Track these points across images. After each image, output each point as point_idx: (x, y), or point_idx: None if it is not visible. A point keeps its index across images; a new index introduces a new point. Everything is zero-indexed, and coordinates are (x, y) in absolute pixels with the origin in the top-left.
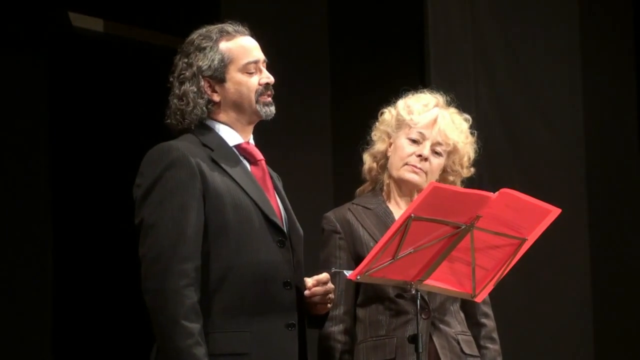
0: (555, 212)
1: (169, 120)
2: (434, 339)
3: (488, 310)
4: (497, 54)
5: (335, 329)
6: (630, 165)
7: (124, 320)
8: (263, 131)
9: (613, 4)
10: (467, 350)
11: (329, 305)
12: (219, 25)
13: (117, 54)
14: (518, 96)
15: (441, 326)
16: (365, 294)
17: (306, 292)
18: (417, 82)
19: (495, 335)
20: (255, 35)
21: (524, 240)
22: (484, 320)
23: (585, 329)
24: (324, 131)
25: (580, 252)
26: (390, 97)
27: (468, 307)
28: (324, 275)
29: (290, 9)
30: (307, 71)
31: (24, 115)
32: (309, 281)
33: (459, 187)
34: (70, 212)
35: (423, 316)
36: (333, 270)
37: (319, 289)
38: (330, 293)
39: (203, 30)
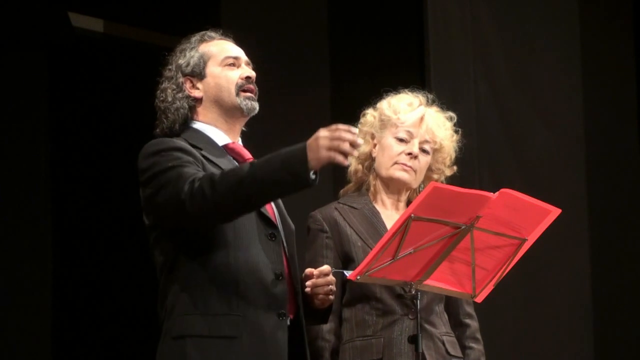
0: (555, 212)
1: (157, 130)
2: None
3: (471, 310)
4: (497, 54)
5: (323, 328)
6: (630, 165)
7: (123, 321)
8: (263, 130)
9: (613, 4)
10: (452, 352)
11: (331, 297)
12: (202, 32)
13: (117, 54)
14: (518, 96)
15: (427, 327)
16: (352, 294)
17: (308, 283)
18: (417, 81)
19: (479, 335)
20: (255, 35)
21: (524, 241)
22: (467, 321)
23: (585, 329)
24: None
25: (580, 252)
26: (386, 94)
27: (451, 307)
28: (326, 267)
29: (290, 10)
30: (306, 71)
31: (24, 115)
32: (312, 272)
33: (459, 188)
34: (70, 212)
35: (410, 316)
36: (333, 270)
37: (320, 280)
38: (332, 285)
39: (185, 39)
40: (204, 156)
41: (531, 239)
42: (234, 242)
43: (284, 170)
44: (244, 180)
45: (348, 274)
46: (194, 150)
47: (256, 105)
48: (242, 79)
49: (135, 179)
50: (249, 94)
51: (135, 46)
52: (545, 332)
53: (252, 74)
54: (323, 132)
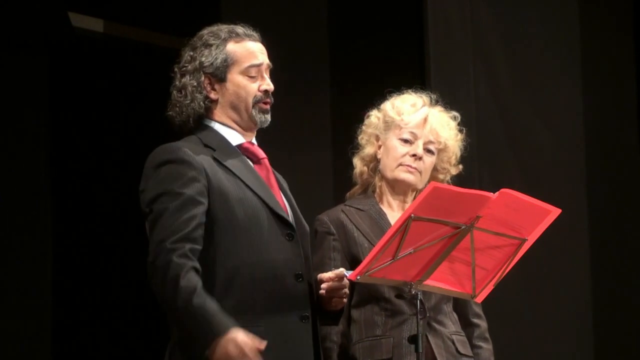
0: (555, 212)
1: (170, 112)
2: (430, 338)
3: (480, 310)
4: (497, 54)
5: (331, 330)
6: (630, 165)
7: (123, 321)
8: (263, 130)
9: (613, 4)
10: (462, 350)
11: (344, 300)
12: (231, 26)
13: (117, 54)
14: (518, 96)
15: (436, 326)
16: (360, 295)
17: (323, 286)
18: (417, 82)
19: (487, 335)
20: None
21: (524, 241)
22: (476, 321)
23: (585, 329)
24: (324, 131)
25: (580, 252)
26: (390, 95)
27: (460, 307)
28: (340, 271)
29: (290, 11)
30: (307, 71)
31: (25, 116)
32: (328, 275)
33: (459, 188)
34: (70, 212)
35: (419, 316)
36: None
37: (336, 284)
38: (346, 288)
39: (214, 28)
40: (215, 158)
41: (531, 239)
42: (253, 242)
43: (195, 334)
44: (178, 309)
45: (348, 274)
46: (199, 165)
47: (269, 118)
48: (260, 92)
49: (135, 179)
50: (265, 107)
51: (135, 46)
52: (545, 332)
53: (271, 87)
54: (233, 348)
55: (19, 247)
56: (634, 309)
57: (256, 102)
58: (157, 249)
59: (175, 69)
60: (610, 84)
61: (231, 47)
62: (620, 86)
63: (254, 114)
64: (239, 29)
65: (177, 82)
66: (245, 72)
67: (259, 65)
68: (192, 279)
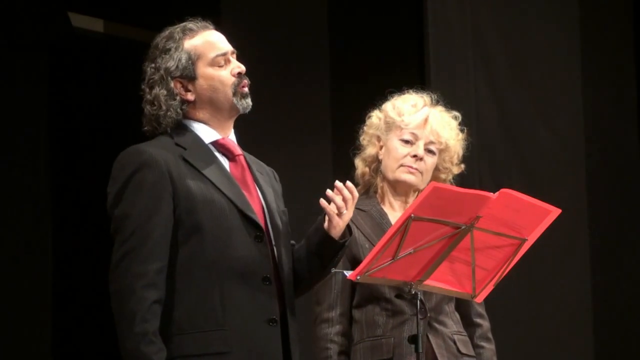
0: (555, 212)
1: (145, 128)
2: (431, 338)
3: (482, 310)
4: (497, 54)
5: (332, 331)
6: (630, 165)
7: None
8: (262, 130)
9: (613, 4)
10: (463, 350)
11: (341, 218)
12: (182, 25)
13: (117, 54)
14: (518, 96)
15: (437, 326)
16: (361, 295)
17: (329, 193)
18: (417, 81)
19: (490, 335)
20: (255, 36)
21: (524, 241)
22: (479, 320)
23: (585, 329)
24: (324, 131)
25: (580, 252)
26: (391, 96)
27: (463, 307)
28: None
29: (290, 11)
30: (306, 68)
31: (24, 115)
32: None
33: (459, 188)
34: (70, 212)
35: (420, 316)
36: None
37: (337, 197)
38: (343, 203)
39: (166, 33)
40: (184, 158)
41: (531, 239)
42: (219, 245)
43: None
44: (126, 349)
45: (348, 274)
46: (163, 168)
47: (250, 102)
48: (234, 76)
49: None
50: (245, 91)
51: (135, 46)
52: (545, 332)
53: (242, 68)
54: None
55: (19, 247)
56: (634, 309)
57: (235, 89)
58: (121, 267)
59: (143, 86)
60: (610, 83)
61: (189, 43)
62: (620, 86)
63: (236, 102)
64: (191, 24)
65: (148, 96)
66: (213, 63)
67: (224, 54)
68: (149, 322)
